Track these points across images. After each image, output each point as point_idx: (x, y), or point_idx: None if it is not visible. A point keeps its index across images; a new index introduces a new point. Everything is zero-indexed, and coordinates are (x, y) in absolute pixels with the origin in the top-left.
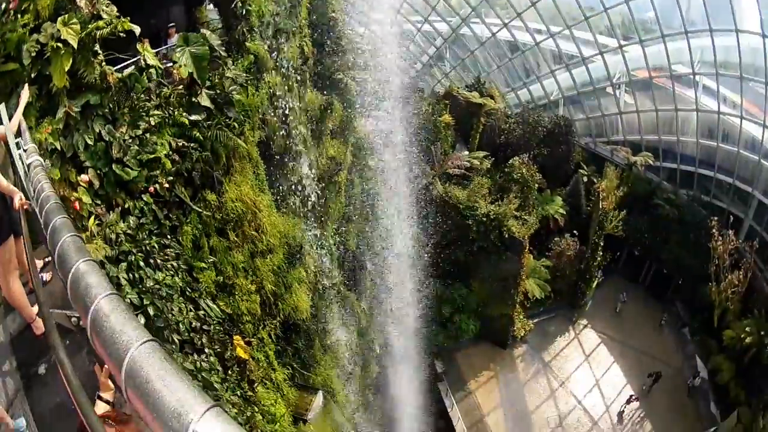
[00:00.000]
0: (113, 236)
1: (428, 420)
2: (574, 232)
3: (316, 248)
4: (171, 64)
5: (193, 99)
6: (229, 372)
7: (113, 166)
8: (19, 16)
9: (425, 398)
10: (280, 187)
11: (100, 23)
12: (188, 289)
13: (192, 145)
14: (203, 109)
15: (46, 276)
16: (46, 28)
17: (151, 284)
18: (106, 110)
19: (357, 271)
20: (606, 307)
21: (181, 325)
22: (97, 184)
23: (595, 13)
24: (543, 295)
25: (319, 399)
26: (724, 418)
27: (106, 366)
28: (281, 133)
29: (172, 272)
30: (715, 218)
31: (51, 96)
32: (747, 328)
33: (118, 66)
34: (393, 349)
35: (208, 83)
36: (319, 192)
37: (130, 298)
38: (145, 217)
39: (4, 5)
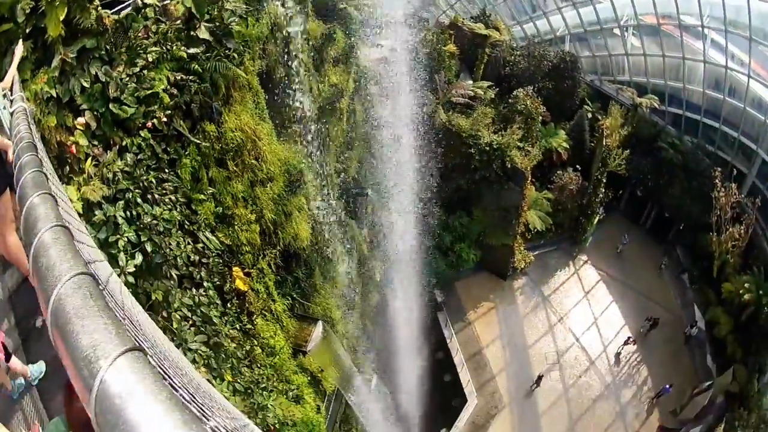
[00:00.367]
0: (110, 175)
1: (427, 350)
2: (577, 166)
3: (317, 175)
4: (168, 0)
5: (192, 33)
6: (228, 305)
7: (110, 105)
8: None
9: (424, 328)
10: (281, 116)
11: None
12: (186, 222)
13: (190, 78)
14: (202, 41)
15: None
16: None
17: (149, 220)
18: (103, 52)
19: (358, 198)
20: (607, 245)
21: (179, 260)
22: (94, 125)
23: None
24: (544, 228)
25: (318, 329)
26: (720, 372)
27: None
28: (282, 62)
29: (170, 206)
30: (719, 169)
31: (47, 47)
32: (746, 285)
33: (115, 9)
34: (393, 277)
35: (207, 16)
36: (320, 119)
37: (127, 236)
38: (142, 153)
39: None
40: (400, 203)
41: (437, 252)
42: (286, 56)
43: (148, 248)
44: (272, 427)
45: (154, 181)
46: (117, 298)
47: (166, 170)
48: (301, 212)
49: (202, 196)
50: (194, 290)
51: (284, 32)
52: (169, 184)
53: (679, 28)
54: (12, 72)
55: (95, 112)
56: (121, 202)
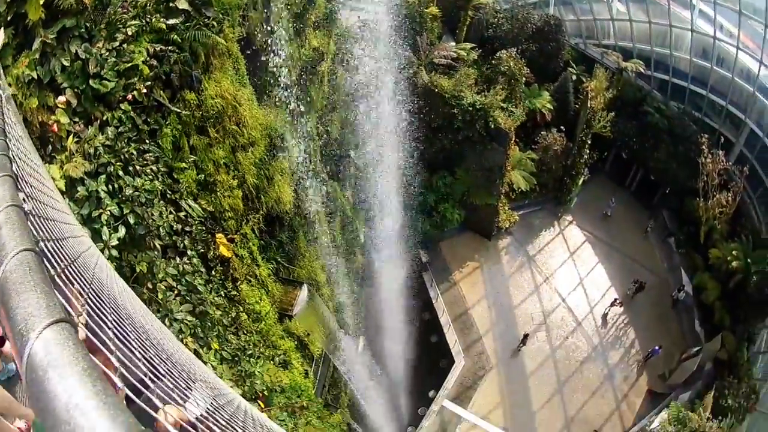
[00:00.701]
0: (92, 150)
1: (413, 311)
2: (561, 128)
3: (299, 138)
4: None
5: (171, 4)
6: (213, 272)
7: (90, 81)
8: None
9: (410, 289)
10: (262, 81)
11: None
12: (168, 191)
13: (170, 48)
14: (181, 12)
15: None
16: None
17: (131, 192)
18: (83, 30)
19: (340, 159)
20: (592, 206)
21: (162, 230)
22: (74, 102)
23: None
24: (528, 188)
25: (303, 293)
26: (708, 338)
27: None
28: (262, 28)
29: (151, 177)
30: (706, 136)
31: (27, 31)
32: (734, 252)
33: None
34: (378, 239)
35: None
36: (301, 82)
37: (110, 210)
38: (123, 126)
39: None
40: (382, 164)
41: (421, 212)
42: (266, 22)
43: (131, 220)
44: (261, 394)
45: (135, 152)
46: (87, 274)
47: (147, 141)
48: (283, 176)
49: (183, 165)
50: (178, 259)
51: None
52: (150, 154)
53: None
54: None
55: (76, 90)
56: (103, 177)
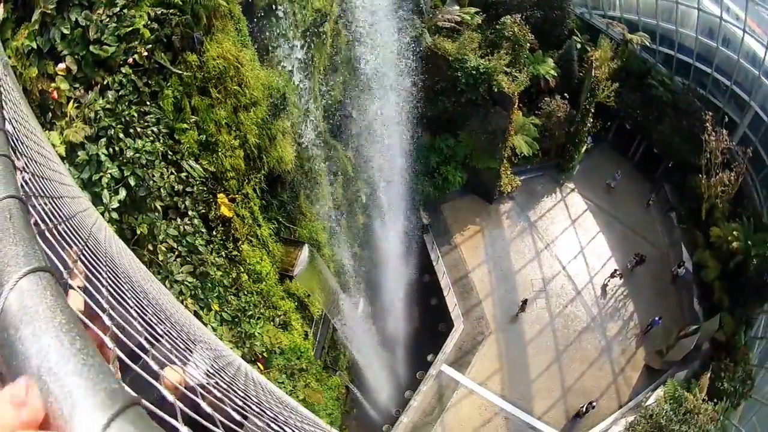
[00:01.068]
0: (92, 115)
1: (414, 273)
2: (565, 95)
3: (301, 98)
4: None
5: None
6: (214, 233)
7: (91, 47)
8: None
9: (411, 250)
10: (264, 41)
11: None
12: (169, 152)
13: (171, 11)
14: None
15: None
16: None
17: (131, 154)
18: None
19: (343, 119)
20: (594, 174)
21: (162, 191)
22: (75, 68)
23: None
24: (531, 153)
25: (304, 253)
26: (707, 317)
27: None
28: None
29: (152, 138)
30: (710, 113)
31: (26, 5)
32: (735, 232)
33: None
34: (379, 199)
35: None
36: (303, 43)
37: (111, 173)
38: (124, 89)
39: None
40: (385, 125)
41: (423, 174)
42: None
43: (132, 182)
44: (260, 356)
45: (135, 114)
46: (83, 232)
47: (148, 103)
48: (285, 135)
49: (184, 125)
50: (179, 220)
51: None
52: (151, 116)
53: None
54: None
55: (76, 56)
56: (104, 140)
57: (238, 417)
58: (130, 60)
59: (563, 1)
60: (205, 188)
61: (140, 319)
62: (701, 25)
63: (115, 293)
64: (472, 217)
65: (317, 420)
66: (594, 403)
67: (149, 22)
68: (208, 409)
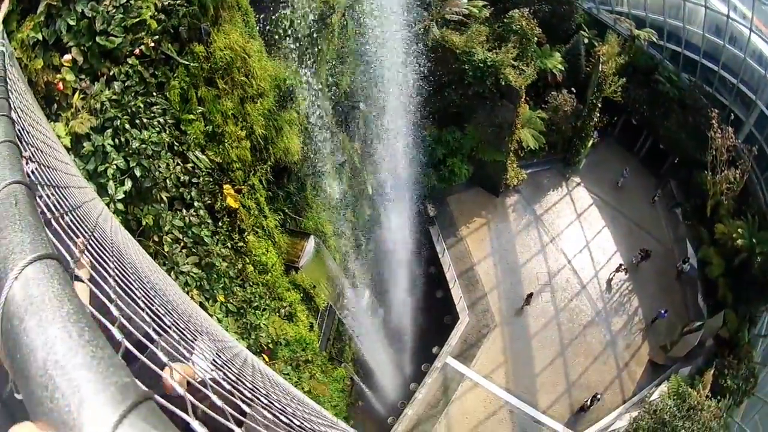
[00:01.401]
0: (98, 106)
1: (419, 265)
2: (572, 89)
3: (308, 89)
4: None
5: None
6: (220, 224)
7: (97, 38)
8: None
9: (417, 242)
10: (271, 32)
11: None
12: (176, 143)
13: (178, 2)
14: None
15: None
16: None
17: (137, 145)
18: None
19: (350, 111)
20: (600, 169)
21: (168, 182)
22: (80, 59)
23: None
24: (537, 147)
25: (310, 244)
26: (711, 313)
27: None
28: None
29: (158, 129)
30: (716, 110)
31: None
32: (739, 230)
33: None
34: (385, 191)
35: None
36: (311, 35)
37: (116, 163)
38: (130, 80)
39: None
40: (392, 116)
41: (429, 166)
42: None
43: (137, 173)
44: (266, 348)
45: (142, 105)
46: (89, 222)
47: (155, 94)
48: (292, 126)
49: (191, 116)
50: (185, 211)
51: None
52: (158, 107)
53: None
54: None
55: (82, 47)
56: (109, 131)
57: (248, 410)
58: (137, 51)
59: None
60: (211, 179)
61: (148, 310)
62: (708, 23)
63: (122, 284)
64: (478, 209)
65: (323, 411)
66: (599, 396)
67: (156, 13)
68: (219, 402)
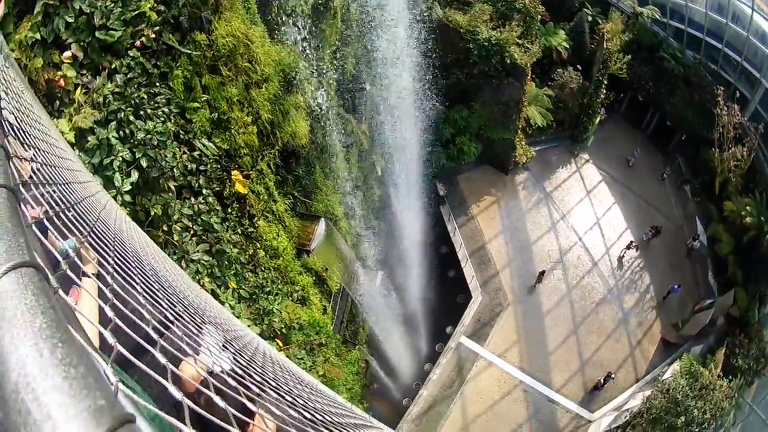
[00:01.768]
0: (101, 99)
1: (431, 244)
2: (578, 66)
3: (313, 72)
4: None
5: None
6: (229, 210)
7: (96, 33)
8: None
9: (428, 222)
10: (273, 17)
11: None
12: (181, 132)
13: None
14: None
15: None
16: None
17: (143, 136)
18: None
19: (356, 92)
20: (608, 146)
21: (176, 171)
22: (81, 55)
23: None
24: (545, 124)
25: (321, 227)
26: (722, 291)
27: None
28: None
29: (163, 119)
30: (722, 87)
31: None
32: (748, 207)
33: None
34: (395, 172)
35: None
36: (314, 18)
37: (122, 155)
38: (132, 72)
39: None
40: (398, 97)
41: (438, 145)
42: None
43: (144, 164)
44: (279, 333)
45: (145, 96)
46: (90, 217)
47: (158, 84)
48: (298, 110)
49: (196, 104)
50: (193, 199)
51: None
52: (162, 97)
53: None
54: None
55: (81, 43)
56: (114, 123)
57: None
58: (138, 43)
59: None
60: (218, 166)
61: (149, 306)
62: (711, 1)
63: (121, 278)
64: (487, 188)
65: (337, 398)
66: (613, 375)
67: (155, 5)
68: (221, 403)
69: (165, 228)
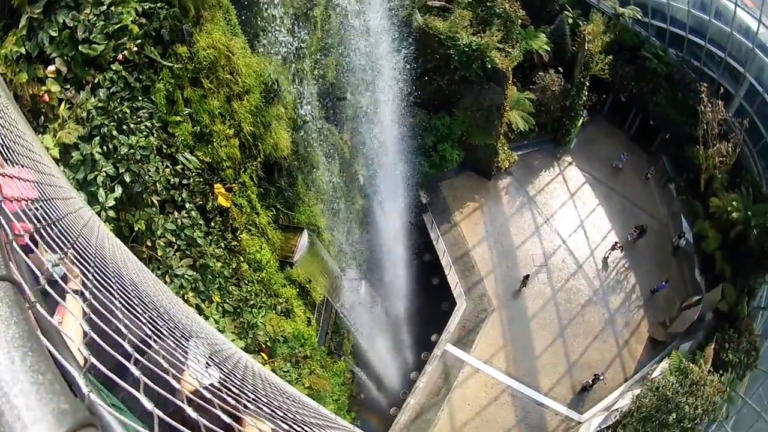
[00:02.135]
0: (84, 114)
1: (414, 253)
2: (559, 69)
3: (294, 83)
4: None
5: None
6: (212, 224)
7: (79, 47)
8: None
9: (411, 230)
10: (254, 28)
11: None
12: (164, 146)
13: (158, 5)
14: None
15: None
16: None
17: (126, 150)
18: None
19: (337, 102)
20: (591, 147)
21: (158, 185)
22: (64, 69)
23: None
24: (527, 128)
25: (304, 238)
26: (709, 287)
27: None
28: None
29: (146, 133)
30: (705, 85)
31: (13, 12)
32: (734, 203)
33: None
34: (377, 181)
35: None
36: (294, 28)
37: (105, 171)
38: (115, 86)
39: None
40: (379, 106)
41: (420, 153)
42: None
43: (127, 179)
44: (264, 346)
45: (128, 111)
46: (72, 233)
47: (140, 98)
48: (280, 121)
49: (178, 118)
50: (176, 213)
51: None
52: (144, 111)
53: None
54: None
55: (65, 57)
56: (97, 139)
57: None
58: (120, 57)
59: None
60: (201, 179)
61: (126, 321)
62: None
63: (100, 294)
64: (470, 194)
65: (321, 409)
66: (601, 377)
67: (137, 18)
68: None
69: (149, 243)
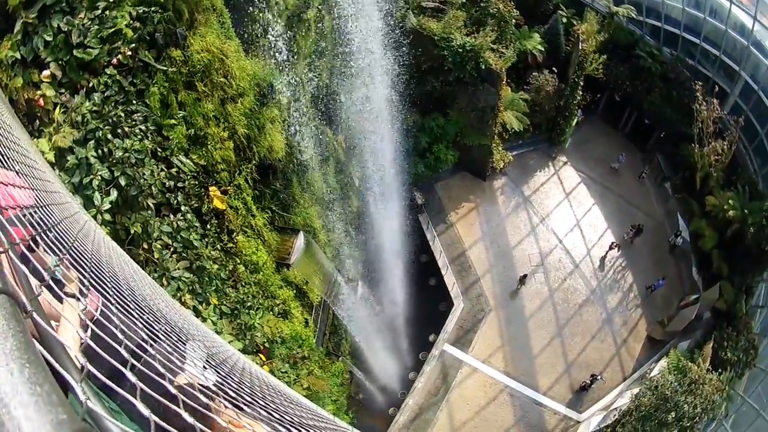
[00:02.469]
0: (79, 118)
1: (411, 254)
2: (553, 69)
3: (288, 85)
4: None
5: None
6: (208, 226)
7: (74, 51)
8: None
9: (407, 231)
10: (248, 31)
11: None
12: (159, 149)
13: (152, 9)
14: None
15: None
16: None
17: (121, 154)
18: (63, 4)
19: (331, 104)
20: (586, 147)
21: (154, 188)
22: (59, 74)
23: None
24: (522, 128)
25: (300, 240)
26: (706, 286)
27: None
28: None
29: (140, 137)
30: (700, 83)
31: (8, 17)
32: (730, 201)
33: None
34: (372, 182)
35: None
36: (288, 31)
37: (101, 174)
38: (109, 90)
39: None
40: (374, 107)
41: (415, 154)
42: None
43: (122, 182)
44: (262, 347)
45: (123, 114)
46: (67, 238)
47: (135, 102)
48: (274, 124)
49: (172, 121)
50: (172, 216)
51: None
52: (139, 114)
53: None
54: None
55: (60, 62)
56: (92, 142)
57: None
58: (114, 60)
59: None
60: (196, 182)
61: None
62: None
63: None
64: (466, 194)
65: (319, 411)
66: (600, 377)
67: (131, 22)
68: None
69: (145, 246)
